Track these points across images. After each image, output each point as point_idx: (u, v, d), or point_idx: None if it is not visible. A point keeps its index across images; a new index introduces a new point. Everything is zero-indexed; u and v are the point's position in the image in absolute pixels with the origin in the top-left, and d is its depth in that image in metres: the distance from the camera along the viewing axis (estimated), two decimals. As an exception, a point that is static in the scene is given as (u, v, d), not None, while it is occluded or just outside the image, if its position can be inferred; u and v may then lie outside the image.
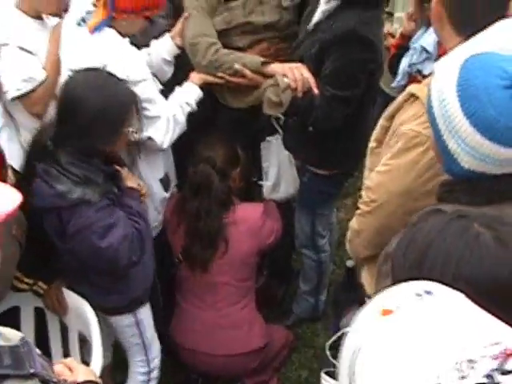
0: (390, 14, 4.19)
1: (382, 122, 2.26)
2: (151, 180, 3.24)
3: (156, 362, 3.28)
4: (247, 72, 3.13)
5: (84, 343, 2.96)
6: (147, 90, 2.95)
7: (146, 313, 3.13)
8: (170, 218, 3.40)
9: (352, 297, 2.14)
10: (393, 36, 3.89)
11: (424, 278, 1.11)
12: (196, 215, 3.25)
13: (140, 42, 3.22)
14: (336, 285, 3.96)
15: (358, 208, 2.35)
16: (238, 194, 3.40)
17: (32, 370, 1.31)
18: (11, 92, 3.07)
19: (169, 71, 3.40)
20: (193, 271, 3.35)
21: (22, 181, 2.60)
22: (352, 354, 1.03)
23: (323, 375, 1.64)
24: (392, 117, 2.19)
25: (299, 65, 3.06)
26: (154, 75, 3.18)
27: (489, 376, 0.90)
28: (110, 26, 2.97)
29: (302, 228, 3.72)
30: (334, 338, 1.64)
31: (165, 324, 3.47)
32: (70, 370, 1.65)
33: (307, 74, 3.02)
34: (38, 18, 3.21)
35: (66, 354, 3.01)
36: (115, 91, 2.67)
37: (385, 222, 2.16)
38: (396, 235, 1.55)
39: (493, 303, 1.04)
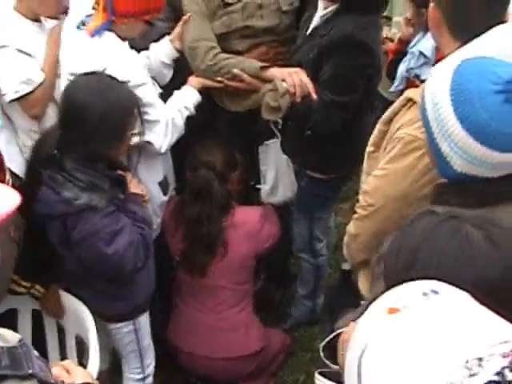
0: (388, 19, 4.20)
1: (379, 126, 2.27)
2: (150, 183, 3.24)
3: (151, 368, 3.28)
4: (246, 77, 3.14)
5: (81, 346, 2.96)
6: (147, 93, 2.95)
7: (144, 320, 3.13)
8: (169, 222, 3.40)
9: (348, 300, 2.14)
10: (391, 40, 3.90)
11: (416, 278, 1.12)
12: (197, 220, 3.25)
13: (139, 45, 3.22)
14: (332, 288, 3.96)
15: (355, 212, 2.36)
16: (236, 197, 3.41)
17: (30, 371, 1.31)
18: (9, 94, 3.07)
19: (168, 74, 3.40)
20: (191, 275, 3.36)
21: (26, 188, 2.57)
22: (359, 352, 1.04)
23: (317, 375, 1.65)
24: (389, 121, 2.20)
25: (298, 70, 3.06)
26: (153, 78, 3.18)
27: (499, 373, 0.91)
28: (110, 30, 2.97)
29: (300, 232, 3.72)
30: (327, 339, 1.65)
31: (162, 327, 3.47)
32: (68, 372, 1.65)
33: (306, 79, 3.02)
34: (36, 20, 3.22)
35: (63, 357, 3.01)
36: (118, 95, 2.65)
37: (381, 226, 2.17)
38: (389, 237, 1.56)
39: (484, 304, 1.05)
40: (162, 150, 3.14)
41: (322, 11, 3.06)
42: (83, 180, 2.58)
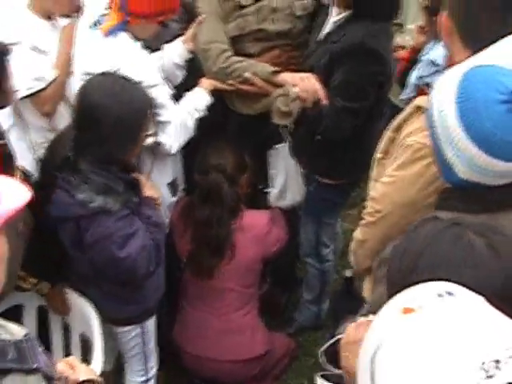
0: (400, 26, 4.20)
1: (388, 133, 2.27)
2: (159, 184, 3.24)
3: (154, 370, 3.28)
4: (257, 80, 3.15)
5: (86, 344, 2.97)
6: (159, 94, 2.95)
7: (151, 323, 3.14)
8: (177, 223, 3.40)
9: (351, 306, 2.15)
10: (403, 48, 3.90)
11: (418, 283, 1.12)
12: (206, 222, 3.25)
13: (152, 45, 3.23)
14: (335, 294, 3.95)
15: (362, 218, 2.36)
16: (244, 200, 3.41)
17: (35, 365, 1.32)
18: (22, 91, 3.08)
19: (180, 75, 3.40)
20: (198, 277, 3.36)
21: (40, 189, 2.53)
22: (372, 351, 1.04)
23: (317, 378, 1.65)
24: (399, 128, 2.20)
25: (309, 75, 3.07)
26: (166, 79, 3.19)
27: None
28: (124, 30, 2.98)
29: (307, 236, 3.73)
30: (326, 344, 1.66)
31: (167, 328, 3.47)
32: (72, 368, 1.66)
33: (317, 85, 3.02)
34: (49, 18, 3.24)
35: (68, 353, 3.02)
36: (133, 97, 2.63)
37: (388, 233, 2.16)
38: (392, 241, 1.56)
39: (499, 308, 1.06)
40: (173, 151, 3.15)
41: (334, 17, 3.07)
42: (98, 182, 2.57)
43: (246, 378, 3.55)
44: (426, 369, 0.97)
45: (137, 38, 3.03)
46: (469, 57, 1.81)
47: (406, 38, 4.01)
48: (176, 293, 3.49)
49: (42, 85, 3.14)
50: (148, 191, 2.84)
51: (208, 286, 3.37)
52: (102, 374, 2.59)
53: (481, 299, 1.07)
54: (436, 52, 3.32)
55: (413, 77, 3.56)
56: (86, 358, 2.88)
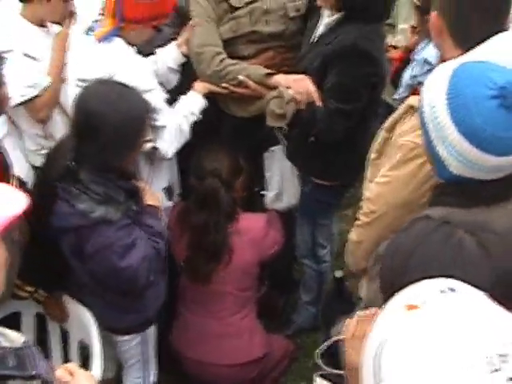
0: (392, 26, 4.22)
1: (382, 133, 2.28)
2: (155, 189, 3.24)
3: (152, 378, 3.28)
4: (251, 83, 3.15)
5: (84, 350, 2.97)
6: (154, 99, 2.94)
7: (151, 331, 3.14)
8: (174, 228, 3.39)
9: (342, 307, 2.15)
10: (395, 48, 3.91)
11: (410, 283, 1.13)
12: (203, 229, 3.24)
13: (145, 50, 3.24)
14: (326, 295, 3.95)
15: (357, 219, 2.36)
16: (240, 203, 3.39)
17: (34, 372, 1.33)
18: (15, 98, 3.08)
19: (174, 79, 3.41)
20: (195, 282, 3.36)
21: (40, 201, 2.54)
22: (378, 347, 1.05)
23: (317, 378, 1.66)
24: (392, 128, 2.21)
25: (303, 77, 3.07)
26: (160, 84, 3.19)
27: None
28: (118, 36, 2.98)
29: (303, 238, 3.73)
30: (322, 346, 1.66)
31: (166, 333, 3.47)
32: (71, 374, 1.67)
33: (311, 87, 3.03)
34: (42, 25, 3.25)
35: (66, 360, 3.01)
36: (131, 104, 2.61)
37: (383, 233, 2.17)
38: (386, 241, 1.57)
39: (501, 304, 1.07)
40: (169, 156, 3.15)
41: (326, 19, 3.08)
42: (99, 192, 2.55)
43: (245, 381, 3.54)
44: (431, 364, 0.98)
45: (131, 44, 3.03)
46: (460, 55, 1.82)
47: (397, 38, 4.03)
48: (174, 298, 3.49)
49: (35, 92, 3.14)
50: (149, 200, 2.84)
51: (205, 291, 3.36)
52: (105, 382, 2.59)
53: (483, 295, 1.09)
54: (429, 51, 3.33)
55: (406, 76, 3.57)
56: (86, 364, 2.89)
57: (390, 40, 3.95)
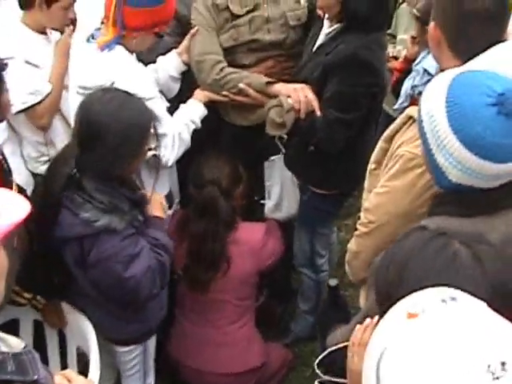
0: (393, 36, 4.23)
1: (381, 143, 2.29)
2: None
3: None
4: (251, 91, 3.15)
5: (82, 357, 2.97)
6: (155, 107, 2.93)
7: (152, 342, 3.13)
8: (173, 236, 3.37)
9: (338, 316, 2.15)
10: (396, 58, 3.92)
11: (404, 293, 1.14)
12: (202, 237, 3.24)
13: (147, 59, 3.24)
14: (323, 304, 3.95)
15: (356, 229, 2.37)
16: (239, 212, 3.39)
17: (35, 377, 1.34)
18: (17, 105, 3.09)
19: (175, 88, 3.41)
20: (193, 290, 3.35)
21: (45, 210, 2.55)
22: (378, 356, 1.06)
23: None
24: (391, 139, 2.21)
25: (303, 86, 3.08)
26: (161, 92, 3.20)
27: None
28: (119, 43, 2.99)
29: (301, 247, 3.72)
30: (320, 356, 1.67)
31: (164, 341, 3.46)
32: (69, 381, 1.67)
33: (311, 96, 3.04)
34: (43, 32, 3.26)
35: (64, 368, 3.01)
36: (134, 113, 2.59)
37: (382, 243, 2.16)
38: (383, 252, 1.58)
39: (500, 313, 1.07)
40: (169, 164, 3.15)
41: (327, 29, 3.08)
42: (103, 201, 2.53)
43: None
44: (432, 373, 0.98)
45: (133, 51, 3.04)
46: (458, 66, 1.83)
47: (398, 48, 4.03)
48: (172, 305, 3.48)
49: (37, 99, 3.16)
50: (156, 211, 2.84)
51: (204, 299, 3.36)
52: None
53: (483, 304, 1.09)
54: (429, 61, 3.33)
55: (406, 86, 3.57)
56: (84, 372, 2.88)
57: (391, 50, 3.95)
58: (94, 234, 2.55)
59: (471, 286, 1.24)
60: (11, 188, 2.59)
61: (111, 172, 2.58)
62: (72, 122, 2.91)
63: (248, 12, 3.22)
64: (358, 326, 1.56)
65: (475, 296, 1.11)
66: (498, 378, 0.95)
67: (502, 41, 1.96)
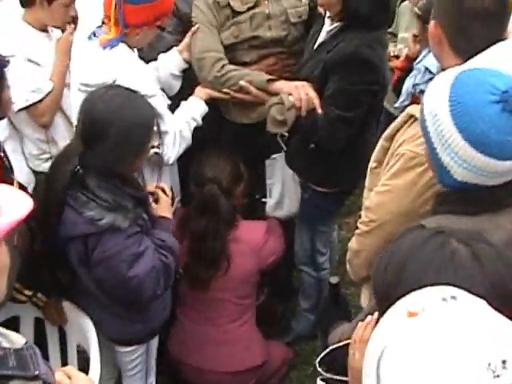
0: (394, 35, 4.22)
1: (382, 142, 2.28)
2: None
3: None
4: (252, 89, 3.14)
5: (82, 354, 2.97)
6: (157, 105, 2.92)
7: (155, 342, 3.13)
8: (173, 233, 3.39)
9: (338, 314, 2.15)
10: (397, 57, 3.92)
11: (402, 293, 1.14)
12: (202, 236, 3.23)
13: (147, 56, 3.24)
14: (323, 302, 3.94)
15: (357, 228, 2.36)
16: (240, 210, 3.39)
17: (36, 372, 1.34)
18: (19, 103, 3.09)
19: (176, 85, 3.40)
20: (194, 289, 3.35)
21: (48, 209, 2.55)
22: (378, 355, 1.06)
23: (320, 381, 1.67)
24: (392, 137, 2.21)
25: (304, 83, 3.07)
26: (162, 90, 3.20)
27: None
28: (123, 41, 2.98)
29: (302, 244, 3.71)
30: (322, 354, 1.67)
31: (164, 339, 3.46)
32: (69, 377, 1.67)
33: (312, 94, 3.03)
34: (44, 30, 3.26)
35: (65, 365, 3.01)
36: (138, 110, 2.59)
37: (383, 242, 2.16)
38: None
39: (499, 311, 1.07)
40: (170, 162, 3.14)
41: (328, 26, 3.08)
42: (107, 199, 2.52)
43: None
44: (433, 371, 0.98)
45: (137, 46, 3.04)
46: (459, 65, 1.83)
47: (399, 47, 4.03)
48: (173, 304, 3.48)
49: (38, 97, 3.16)
50: (163, 211, 2.84)
51: (204, 298, 3.36)
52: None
53: (483, 302, 1.09)
54: (430, 59, 3.33)
55: (407, 85, 3.57)
56: (86, 369, 2.88)
57: (392, 49, 3.95)
58: (99, 233, 2.54)
59: (470, 285, 1.24)
60: (12, 185, 2.59)
61: (114, 169, 2.57)
62: (73, 120, 2.91)
63: (249, 9, 3.22)
64: (360, 324, 1.56)
65: (474, 295, 1.11)
66: (498, 376, 0.96)
67: (503, 39, 1.96)
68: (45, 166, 3.30)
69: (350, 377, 1.51)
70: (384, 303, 1.28)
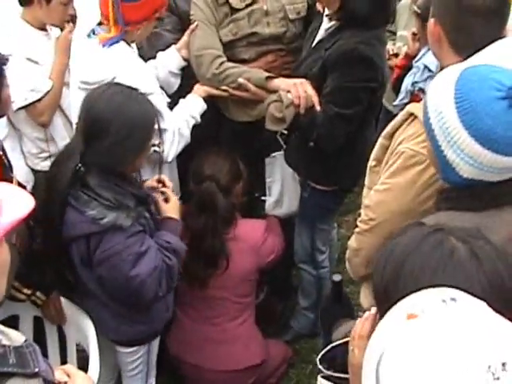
0: (393, 33, 4.22)
1: (381, 140, 2.27)
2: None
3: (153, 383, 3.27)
4: (251, 86, 3.14)
5: (82, 353, 2.97)
6: (156, 102, 2.89)
7: (156, 343, 3.12)
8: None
9: (341, 311, 2.15)
10: (396, 56, 3.91)
11: (401, 290, 1.13)
12: (201, 234, 3.23)
13: (146, 54, 3.24)
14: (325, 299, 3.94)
15: (356, 226, 2.36)
16: (239, 208, 3.39)
17: (36, 370, 1.34)
18: (18, 102, 3.09)
19: (175, 83, 3.40)
20: (192, 287, 3.35)
21: (50, 209, 2.55)
22: (377, 357, 1.06)
23: (320, 378, 1.67)
24: (391, 136, 2.20)
25: (303, 81, 3.06)
26: (161, 88, 3.19)
27: None
28: (123, 39, 2.97)
29: (302, 243, 3.71)
30: (323, 352, 1.67)
31: (164, 337, 3.45)
32: (68, 376, 1.67)
33: (311, 91, 3.02)
34: (43, 29, 3.25)
35: (64, 363, 3.01)
36: (139, 109, 2.58)
37: (383, 241, 2.15)
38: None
39: (499, 313, 1.07)
40: (169, 159, 3.14)
41: (326, 24, 3.08)
42: (109, 198, 2.51)
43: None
44: (432, 373, 0.98)
45: (135, 41, 3.04)
46: (458, 62, 1.83)
47: (398, 45, 4.03)
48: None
49: (37, 96, 3.16)
50: (170, 211, 2.83)
51: (203, 296, 3.36)
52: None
53: (483, 304, 1.09)
54: (429, 58, 3.32)
55: (407, 83, 3.57)
56: (85, 368, 2.88)
57: (391, 47, 3.95)
58: (101, 232, 2.54)
59: (468, 282, 1.24)
60: (12, 184, 2.58)
61: (115, 168, 2.57)
62: (73, 119, 2.91)
63: (247, 6, 3.22)
64: (358, 320, 1.56)
65: (472, 293, 1.11)
66: (498, 379, 0.95)
67: (502, 37, 1.96)
68: (43, 165, 3.30)
69: (351, 373, 1.51)
70: (383, 302, 1.28)
